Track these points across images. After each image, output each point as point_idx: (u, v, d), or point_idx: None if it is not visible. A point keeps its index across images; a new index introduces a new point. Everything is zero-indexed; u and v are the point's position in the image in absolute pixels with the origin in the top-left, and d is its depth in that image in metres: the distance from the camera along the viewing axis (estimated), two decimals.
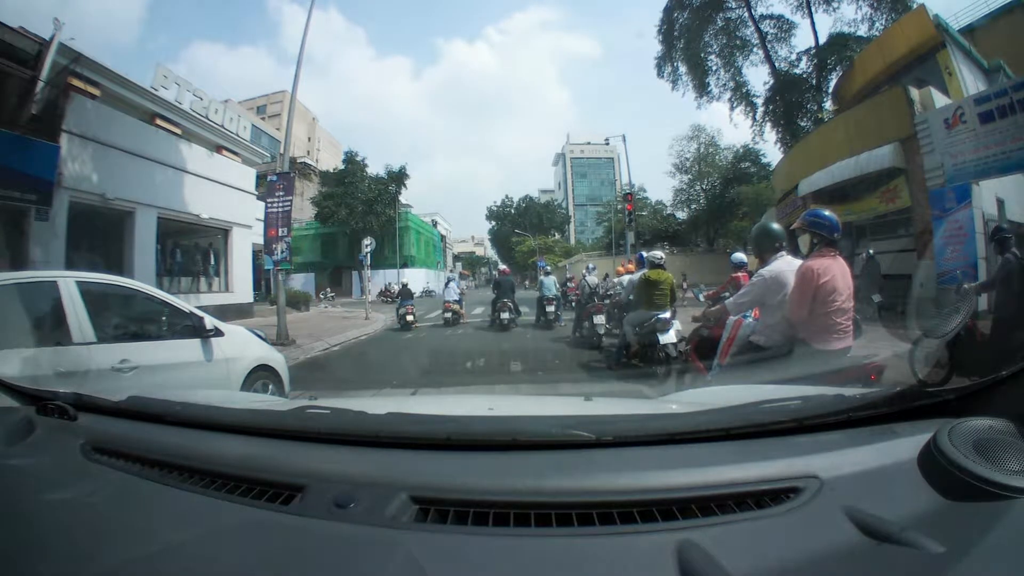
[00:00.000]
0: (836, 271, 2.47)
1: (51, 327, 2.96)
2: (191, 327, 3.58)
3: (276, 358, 4.35)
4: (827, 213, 2.64)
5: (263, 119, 41.30)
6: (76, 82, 10.06)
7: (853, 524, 0.67)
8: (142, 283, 3.81)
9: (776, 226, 3.01)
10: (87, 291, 3.07)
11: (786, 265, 2.71)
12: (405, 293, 12.32)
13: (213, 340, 3.63)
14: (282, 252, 9.60)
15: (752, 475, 0.81)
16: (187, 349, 3.53)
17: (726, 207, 31.09)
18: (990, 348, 4.16)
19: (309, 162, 41.55)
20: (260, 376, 4.04)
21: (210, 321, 3.65)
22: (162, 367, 3.28)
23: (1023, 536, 0.65)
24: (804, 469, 0.80)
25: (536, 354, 7.73)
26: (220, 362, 3.67)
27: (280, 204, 9.69)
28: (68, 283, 3.03)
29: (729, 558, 0.63)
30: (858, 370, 2.53)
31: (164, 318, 3.63)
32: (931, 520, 0.68)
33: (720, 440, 0.97)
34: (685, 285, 5.15)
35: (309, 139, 48.52)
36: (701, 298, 4.93)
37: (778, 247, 2.83)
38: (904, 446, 0.83)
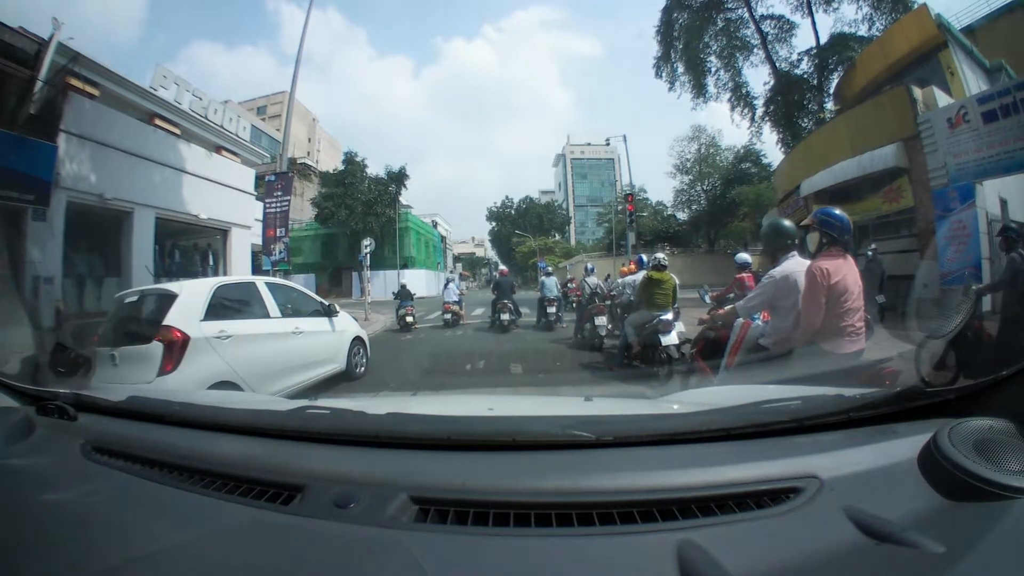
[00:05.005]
0: (846, 270, 2.39)
1: (259, 308, 4.67)
2: (323, 309, 5.62)
3: (364, 334, 6.41)
4: (838, 212, 2.54)
5: (263, 120, 41.24)
6: (75, 82, 10.03)
7: (853, 524, 0.67)
8: (295, 283, 6.07)
9: (788, 223, 2.91)
10: (270, 286, 5.00)
11: (798, 266, 2.62)
12: (404, 294, 12.22)
13: (335, 318, 5.66)
14: (280, 252, 9.59)
15: (752, 475, 0.81)
16: (322, 323, 5.46)
17: (727, 208, 31.00)
18: (997, 349, 4.10)
19: (309, 163, 41.50)
20: (357, 344, 6.10)
21: (334, 306, 5.76)
22: (313, 333, 5.18)
23: (1023, 536, 0.65)
24: (804, 469, 0.80)
25: (537, 356, 7.66)
26: (338, 332, 5.70)
27: (278, 204, 9.69)
28: (260, 282, 5.02)
29: (729, 558, 0.63)
30: (873, 375, 2.45)
31: (308, 303, 5.56)
32: (931, 520, 0.68)
33: (720, 440, 0.97)
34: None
35: (309, 140, 48.46)
36: (707, 299, 4.86)
37: (790, 245, 2.74)
38: (904, 446, 0.83)
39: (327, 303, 5.69)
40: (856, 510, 0.69)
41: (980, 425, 0.79)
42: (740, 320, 3.06)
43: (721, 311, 3.27)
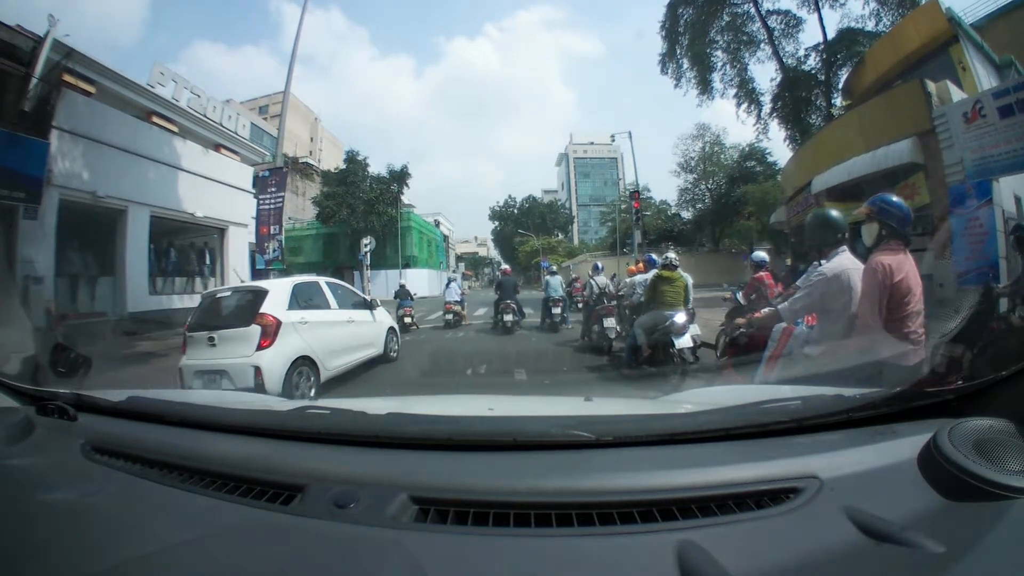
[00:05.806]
0: (908, 267, 2.11)
1: (323, 301, 5.84)
2: (366, 303, 6.88)
3: (395, 326, 7.69)
4: (897, 200, 2.26)
5: (265, 119, 41.06)
6: (70, 78, 9.85)
7: (853, 524, 0.66)
8: (346, 283, 7.03)
9: (837, 214, 2.59)
10: (329, 284, 6.17)
11: (850, 262, 2.33)
12: (403, 294, 11.97)
13: (375, 311, 6.87)
14: (274, 251, 9.32)
15: (752, 475, 0.80)
16: (366, 314, 6.65)
17: (732, 206, 30.80)
18: (1008, 350, 3.93)
19: (311, 162, 41.30)
20: (391, 333, 7.29)
21: (375, 300, 7.15)
22: (361, 322, 6.41)
23: (1023, 536, 0.65)
24: (804, 469, 0.80)
25: (541, 358, 7.41)
26: (377, 323, 6.91)
27: (272, 201, 9.43)
28: (322, 281, 6.19)
29: (729, 558, 0.62)
30: (874, 375, 2.17)
31: (355, 298, 6.75)
32: (931, 520, 0.68)
33: (720, 440, 0.97)
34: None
35: (311, 139, 48.31)
36: (739, 297, 4.60)
37: (840, 239, 2.45)
38: (904, 446, 0.83)
39: (369, 298, 7.03)
40: (856, 510, 0.69)
41: (980, 425, 0.78)
42: (781, 324, 2.71)
43: (758, 314, 2.95)
